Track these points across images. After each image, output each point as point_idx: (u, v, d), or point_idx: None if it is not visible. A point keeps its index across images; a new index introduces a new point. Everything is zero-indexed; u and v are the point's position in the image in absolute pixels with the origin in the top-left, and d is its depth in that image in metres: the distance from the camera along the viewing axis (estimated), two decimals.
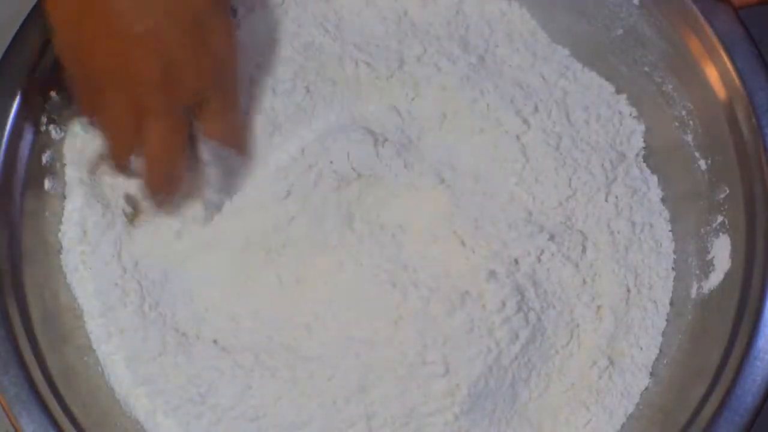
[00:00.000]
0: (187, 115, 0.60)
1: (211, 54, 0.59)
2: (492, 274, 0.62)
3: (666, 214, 0.67)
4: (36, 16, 0.65)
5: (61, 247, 0.65)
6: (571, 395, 0.64)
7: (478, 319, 0.61)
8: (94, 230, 0.65)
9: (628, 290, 0.65)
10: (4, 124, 0.64)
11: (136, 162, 0.62)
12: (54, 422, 0.60)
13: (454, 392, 0.61)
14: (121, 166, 0.62)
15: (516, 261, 0.63)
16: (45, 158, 0.66)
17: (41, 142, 0.66)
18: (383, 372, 0.61)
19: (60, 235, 0.66)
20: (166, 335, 0.63)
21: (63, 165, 0.67)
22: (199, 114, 0.60)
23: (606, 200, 0.66)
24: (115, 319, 0.64)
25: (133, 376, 0.63)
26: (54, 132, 0.66)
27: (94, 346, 0.64)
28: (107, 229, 0.65)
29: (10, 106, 0.65)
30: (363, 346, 0.62)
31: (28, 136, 0.65)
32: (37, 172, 0.65)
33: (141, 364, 0.63)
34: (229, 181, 0.64)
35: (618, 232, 0.66)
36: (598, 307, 0.65)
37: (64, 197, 0.66)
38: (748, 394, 0.58)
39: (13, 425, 0.60)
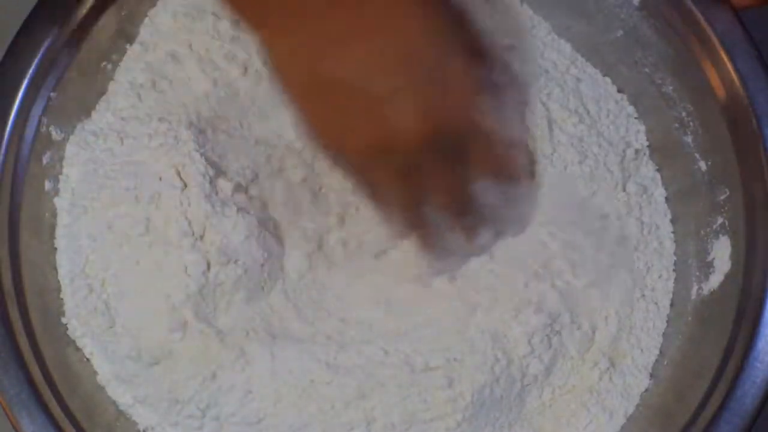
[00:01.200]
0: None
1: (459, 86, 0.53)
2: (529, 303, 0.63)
3: (669, 214, 0.67)
4: (39, 14, 0.65)
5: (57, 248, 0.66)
6: (571, 397, 0.64)
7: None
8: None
9: (633, 293, 0.65)
10: (5, 125, 0.64)
11: None
12: (54, 423, 0.60)
13: (457, 399, 0.61)
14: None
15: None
16: (45, 159, 0.66)
17: (42, 143, 0.66)
18: (385, 378, 0.61)
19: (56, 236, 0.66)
20: None
21: (63, 166, 0.67)
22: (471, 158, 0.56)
23: (618, 198, 0.66)
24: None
25: (132, 389, 0.64)
26: (54, 133, 0.66)
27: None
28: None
29: (11, 106, 0.65)
30: (364, 351, 0.62)
31: (28, 137, 0.65)
32: (38, 173, 0.66)
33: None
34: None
35: (632, 235, 0.65)
36: (607, 312, 0.64)
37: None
38: (747, 396, 0.58)
39: (13, 426, 0.60)
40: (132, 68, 0.68)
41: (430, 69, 0.51)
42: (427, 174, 0.55)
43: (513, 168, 0.60)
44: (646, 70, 0.68)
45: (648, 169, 0.68)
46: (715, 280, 0.63)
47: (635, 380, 0.64)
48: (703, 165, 0.65)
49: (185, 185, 0.63)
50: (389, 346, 0.62)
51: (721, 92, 0.63)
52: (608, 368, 0.64)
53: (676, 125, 0.67)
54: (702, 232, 0.65)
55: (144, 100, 0.67)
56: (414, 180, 0.55)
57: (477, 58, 0.56)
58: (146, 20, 0.69)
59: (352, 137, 0.53)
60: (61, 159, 0.67)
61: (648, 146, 0.69)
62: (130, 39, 0.69)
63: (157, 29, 0.69)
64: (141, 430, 0.64)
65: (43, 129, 0.66)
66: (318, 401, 0.61)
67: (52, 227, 0.66)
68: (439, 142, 0.53)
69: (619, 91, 0.69)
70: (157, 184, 0.63)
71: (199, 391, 0.62)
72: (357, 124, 0.52)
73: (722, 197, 0.64)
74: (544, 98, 0.67)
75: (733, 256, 0.62)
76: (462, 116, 0.54)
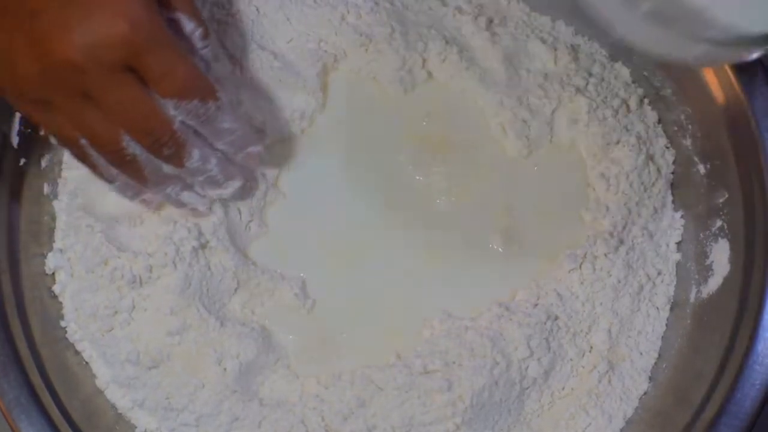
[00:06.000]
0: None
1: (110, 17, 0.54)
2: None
3: (669, 217, 0.67)
4: None
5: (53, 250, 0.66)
6: (570, 399, 0.64)
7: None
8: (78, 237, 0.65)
9: (635, 296, 0.65)
10: (4, 128, 0.64)
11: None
12: (53, 426, 0.60)
13: (456, 402, 0.61)
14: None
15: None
16: (44, 162, 0.66)
17: (40, 146, 0.66)
18: (383, 382, 0.62)
19: (55, 239, 0.66)
20: None
21: (61, 170, 0.67)
22: (147, 81, 0.56)
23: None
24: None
25: (130, 393, 0.64)
26: (53, 136, 0.66)
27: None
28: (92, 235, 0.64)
29: (10, 108, 0.65)
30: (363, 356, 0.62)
31: (27, 140, 0.65)
32: (36, 176, 0.65)
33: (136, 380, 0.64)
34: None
35: (632, 238, 0.65)
36: (606, 315, 0.64)
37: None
38: (747, 399, 0.58)
39: (12, 429, 0.60)
40: None
41: None
42: (104, 101, 0.55)
43: (193, 87, 0.57)
44: (645, 73, 0.68)
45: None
46: (714, 283, 0.63)
47: (634, 383, 0.64)
48: (702, 168, 0.65)
49: None
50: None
51: (720, 95, 0.63)
52: (607, 371, 0.64)
53: (675, 128, 0.67)
54: (701, 235, 0.65)
55: None
56: (93, 107, 0.55)
57: None
58: None
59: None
60: (60, 162, 0.67)
61: None
62: None
63: None
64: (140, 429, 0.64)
65: (42, 132, 0.66)
66: (317, 415, 0.62)
67: (51, 230, 0.66)
68: (106, 60, 0.54)
69: None
70: None
71: (192, 400, 0.62)
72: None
73: (721, 200, 0.64)
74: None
75: (732, 259, 0.63)
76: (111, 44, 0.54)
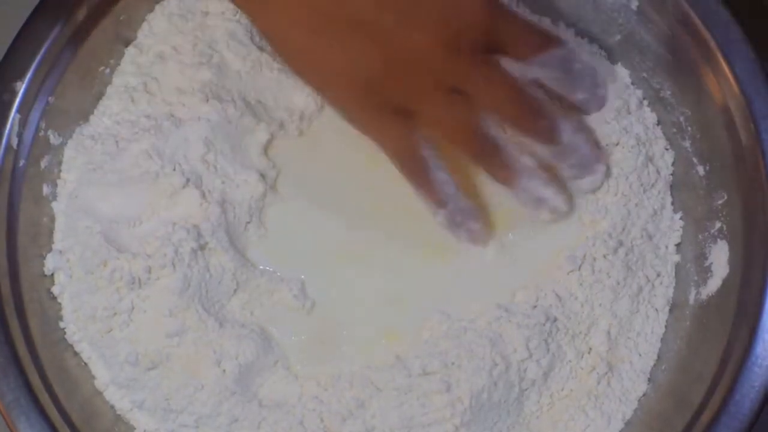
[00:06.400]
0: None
1: None
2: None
3: (668, 219, 0.67)
4: (37, 18, 0.65)
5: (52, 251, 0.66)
6: (569, 401, 0.64)
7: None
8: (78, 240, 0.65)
9: (634, 298, 0.65)
10: (3, 128, 0.64)
11: None
12: (52, 427, 0.60)
13: (455, 404, 0.61)
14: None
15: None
16: (43, 163, 0.66)
17: (40, 147, 0.66)
18: (383, 384, 0.62)
19: (54, 241, 0.66)
20: None
21: (60, 171, 0.67)
22: (508, 49, 0.54)
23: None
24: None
25: (130, 394, 0.64)
26: (52, 137, 0.66)
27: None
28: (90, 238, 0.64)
29: (9, 110, 0.65)
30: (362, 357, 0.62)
31: (26, 141, 0.65)
32: (36, 177, 0.65)
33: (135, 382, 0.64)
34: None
35: (632, 240, 0.65)
36: (606, 317, 0.64)
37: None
38: (746, 400, 0.58)
39: (11, 430, 0.59)
40: (127, 71, 0.68)
41: None
42: (472, 85, 0.53)
43: (549, 39, 0.57)
44: (644, 74, 0.68)
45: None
46: (714, 284, 0.63)
47: (633, 385, 0.64)
48: (701, 169, 0.65)
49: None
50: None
51: (719, 96, 0.63)
52: (606, 373, 0.64)
53: (674, 130, 0.67)
54: (700, 237, 0.65)
55: (137, 103, 0.67)
56: (460, 99, 0.53)
57: None
58: (144, 24, 0.69)
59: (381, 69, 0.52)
60: (59, 163, 0.67)
61: None
62: (128, 44, 0.69)
63: (152, 32, 0.69)
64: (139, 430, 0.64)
65: (41, 133, 0.66)
66: (316, 416, 0.62)
67: (50, 231, 0.66)
68: (466, 45, 0.52)
69: None
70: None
71: (191, 401, 0.62)
72: (379, 55, 0.52)
73: (720, 202, 0.64)
74: None
75: (731, 261, 0.62)
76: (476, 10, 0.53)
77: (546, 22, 0.69)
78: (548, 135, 0.56)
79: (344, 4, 0.51)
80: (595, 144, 0.61)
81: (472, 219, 0.61)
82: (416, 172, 0.57)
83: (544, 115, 0.56)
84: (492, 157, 0.57)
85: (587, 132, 0.60)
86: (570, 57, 0.57)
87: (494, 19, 0.53)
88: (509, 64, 0.56)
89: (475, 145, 0.56)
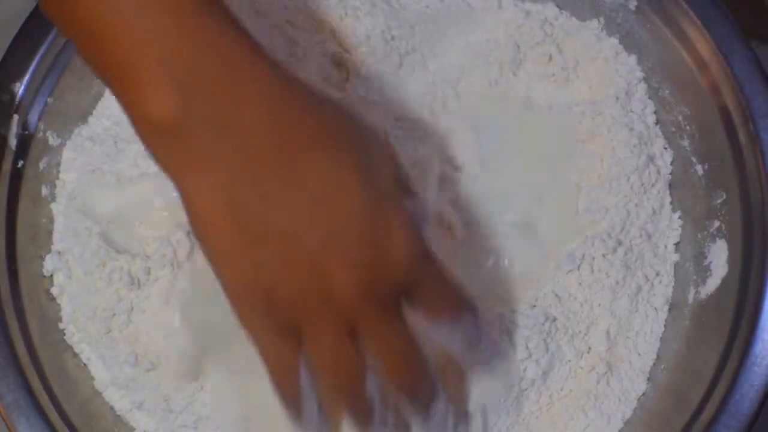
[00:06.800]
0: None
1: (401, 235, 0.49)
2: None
3: (668, 218, 0.67)
4: (35, 19, 0.65)
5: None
6: (569, 401, 0.63)
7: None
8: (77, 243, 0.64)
9: (633, 297, 0.65)
10: (2, 129, 0.64)
11: None
12: (52, 428, 0.60)
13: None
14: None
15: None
16: (42, 164, 0.66)
17: (38, 148, 0.66)
18: None
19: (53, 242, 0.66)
20: None
21: (59, 172, 0.67)
22: (419, 306, 0.51)
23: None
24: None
25: (129, 395, 0.64)
26: (51, 138, 0.66)
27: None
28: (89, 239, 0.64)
29: (8, 111, 0.65)
30: None
31: (25, 142, 0.65)
32: (34, 178, 0.65)
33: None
34: None
35: (630, 239, 0.65)
36: (605, 316, 0.64)
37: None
38: (745, 400, 0.58)
39: (10, 431, 0.60)
40: None
41: (366, 216, 0.48)
42: (371, 337, 0.50)
43: (463, 303, 0.54)
44: (643, 74, 0.68)
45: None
46: (713, 284, 0.63)
47: (633, 384, 0.64)
48: (700, 169, 0.65)
49: None
50: None
51: (718, 96, 0.63)
52: (606, 372, 0.64)
53: (673, 129, 0.67)
54: (699, 236, 0.65)
55: None
56: (351, 343, 0.50)
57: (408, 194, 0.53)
58: None
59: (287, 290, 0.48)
60: (58, 164, 0.67)
61: None
62: None
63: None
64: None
65: (40, 134, 0.66)
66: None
67: (49, 232, 0.66)
68: (380, 294, 0.49)
69: None
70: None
71: (191, 402, 0.62)
72: (290, 276, 0.48)
73: (719, 201, 0.64)
74: None
75: (731, 260, 0.62)
76: (401, 260, 0.49)
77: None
78: (422, 405, 0.54)
79: (277, 207, 0.47)
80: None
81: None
82: (288, 397, 0.52)
83: (426, 382, 0.53)
84: (358, 408, 0.52)
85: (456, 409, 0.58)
86: (475, 336, 0.55)
87: (418, 277, 0.49)
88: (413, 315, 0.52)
89: (349, 388, 0.52)
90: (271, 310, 0.49)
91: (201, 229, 0.48)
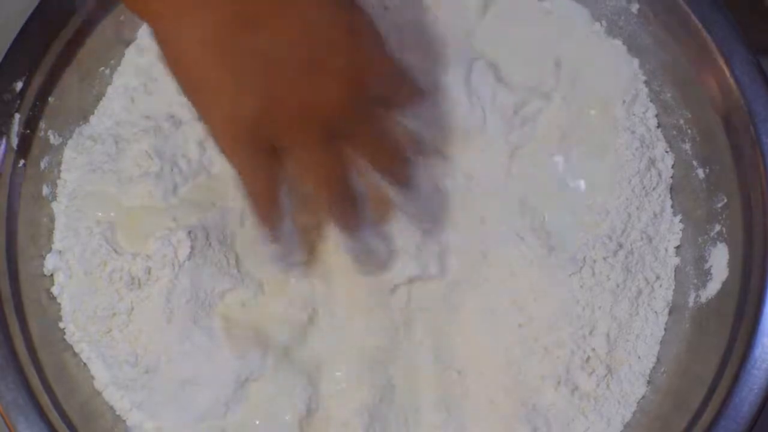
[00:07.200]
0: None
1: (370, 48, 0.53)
2: None
3: (668, 222, 0.67)
4: (36, 19, 0.65)
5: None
6: (568, 403, 0.63)
7: None
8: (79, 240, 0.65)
9: (633, 300, 0.65)
10: (3, 129, 0.64)
11: None
12: (51, 428, 0.60)
13: None
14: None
15: None
16: (43, 164, 0.66)
17: (39, 148, 0.66)
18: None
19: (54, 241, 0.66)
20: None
21: (60, 171, 0.67)
22: (392, 105, 0.56)
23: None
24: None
25: (129, 394, 0.64)
26: (52, 137, 0.66)
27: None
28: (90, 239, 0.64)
29: (9, 110, 0.65)
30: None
31: (26, 141, 0.65)
32: (35, 177, 0.65)
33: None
34: None
35: (631, 242, 0.65)
36: (605, 319, 0.64)
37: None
38: (745, 403, 0.58)
39: (10, 431, 0.59)
40: (127, 72, 0.69)
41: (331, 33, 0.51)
42: (358, 137, 0.54)
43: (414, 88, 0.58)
44: (645, 77, 0.68)
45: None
46: (713, 287, 0.63)
47: (633, 387, 0.64)
48: (701, 172, 0.66)
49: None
50: None
51: (719, 100, 0.63)
52: (606, 375, 0.64)
53: (674, 132, 0.67)
54: (700, 240, 0.65)
55: (136, 103, 0.67)
56: (340, 148, 0.54)
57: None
58: (144, 25, 0.69)
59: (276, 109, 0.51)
60: (59, 164, 0.67)
61: None
62: (129, 44, 0.69)
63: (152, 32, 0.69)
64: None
65: (42, 133, 0.66)
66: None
67: (50, 232, 0.66)
68: (370, 98, 0.53)
69: None
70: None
71: (191, 401, 0.62)
72: (278, 95, 0.51)
73: (720, 204, 0.64)
74: None
75: (731, 264, 0.63)
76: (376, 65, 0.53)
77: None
78: (402, 178, 0.58)
79: (258, 33, 0.49)
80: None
81: (296, 254, 0.62)
82: (264, 216, 0.56)
83: (406, 168, 0.58)
84: (347, 205, 0.56)
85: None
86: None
87: (396, 74, 0.54)
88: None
89: (337, 191, 0.55)
90: (254, 136, 0.51)
91: (183, 63, 0.51)
